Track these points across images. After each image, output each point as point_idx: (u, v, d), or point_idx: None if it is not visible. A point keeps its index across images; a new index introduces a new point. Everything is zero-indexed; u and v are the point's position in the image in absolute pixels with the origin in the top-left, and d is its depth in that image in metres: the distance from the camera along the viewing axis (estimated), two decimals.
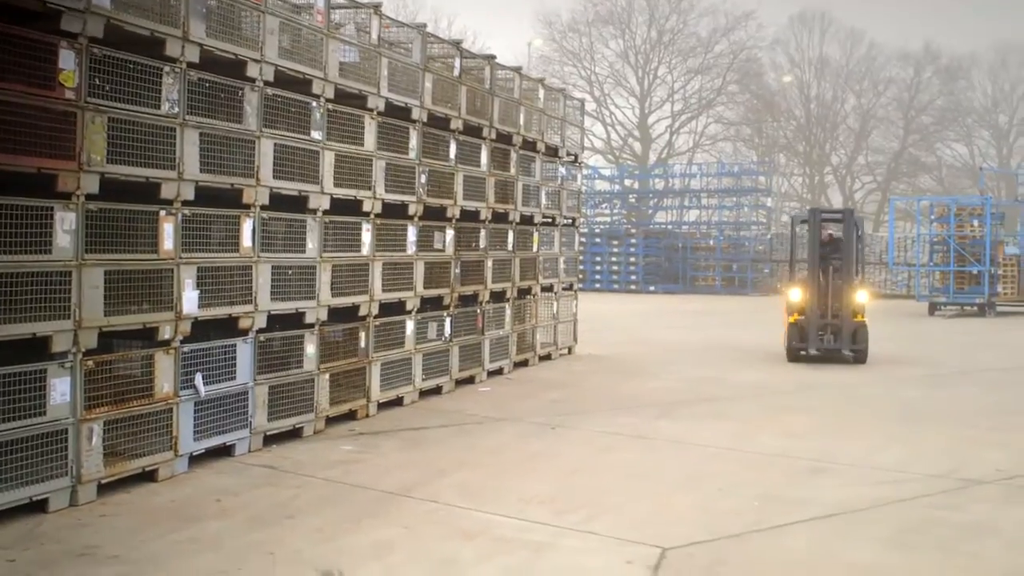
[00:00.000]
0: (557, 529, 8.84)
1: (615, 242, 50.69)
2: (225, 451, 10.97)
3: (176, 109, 9.97)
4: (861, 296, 20.84)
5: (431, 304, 15.49)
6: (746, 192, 54.37)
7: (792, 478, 10.78)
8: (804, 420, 14.23)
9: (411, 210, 14.58)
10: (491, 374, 17.47)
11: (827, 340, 20.75)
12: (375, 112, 13.49)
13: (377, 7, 13.63)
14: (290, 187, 11.77)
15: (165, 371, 9.98)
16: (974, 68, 79.38)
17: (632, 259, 50.02)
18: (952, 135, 79.00)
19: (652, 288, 49.78)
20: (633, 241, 50.11)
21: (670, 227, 56.33)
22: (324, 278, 12.42)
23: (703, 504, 9.73)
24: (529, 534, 8.68)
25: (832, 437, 12.50)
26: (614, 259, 50.34)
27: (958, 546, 8.70)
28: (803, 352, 20.85)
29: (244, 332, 11.12)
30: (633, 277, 49.67)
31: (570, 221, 21.67)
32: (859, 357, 20.76)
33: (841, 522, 9.31)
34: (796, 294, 21.01)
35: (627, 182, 60.80)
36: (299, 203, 12.06)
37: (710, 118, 75.06)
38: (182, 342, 10.18)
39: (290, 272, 11.86)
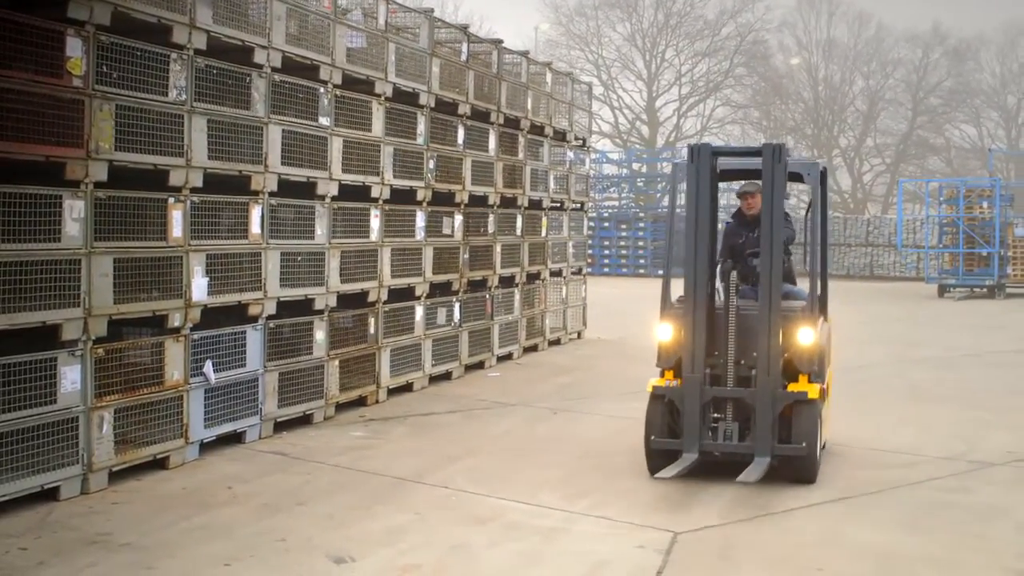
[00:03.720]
0: (568, 514, 8.84)
1: (624, 226, 50.57)
2: (236, 438, 10.98)
3: (184, 96, 9.95)
4: (805, 335, 10.04)
5: (440, 289, 15.48)
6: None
7: None
8: None
9: (420, 196, 14.56)
10: (500, 359, 17.45)
11: (727, 432, 9.92)
12: (383, 98, 13.47)
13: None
14: (298, 173, 11.75)
15: (175, 358, 9.99)
16: (983, 49, 79.04)
17: (641, 243, 49.91)
18: (961, 116, 78.71)
19: (661, 272, 49.67)
20: (642, 225, 49.96)
21: (679, 211, 56.19)
22: (333, 264, 12.41)
23: (726, 487, 9.72)
24: (540, 519, 8.68)
25: (842, 419, 12.46)
26: (623, 243, 50.21)
27: (969, 528, 8.70)
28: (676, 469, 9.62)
29: (254, 319, 11.12)
30: (642, 261, 49.56)
31: (579, 205, 21.63)
32: (800, 470, 9.92)
33: (852, 505, 9.31)
34: (666, 332, 10.31)
35: (635, 166, 60.69)
36: (308, 189, 12.05)
37: (718, 101, 74.89)
38: (192, 329, 10.18)
39: (299, 258, 11.85)
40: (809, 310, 10.24)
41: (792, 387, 9.84)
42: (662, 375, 10.26)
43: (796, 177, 10.74)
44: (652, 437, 9.93)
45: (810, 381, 9.94)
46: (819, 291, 10.89)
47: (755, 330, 9.80)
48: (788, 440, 9.74)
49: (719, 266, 10.40)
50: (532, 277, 18.95)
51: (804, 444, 9.65)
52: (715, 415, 9.98)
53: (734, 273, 10.16)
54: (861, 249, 47.19)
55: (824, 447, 10.73)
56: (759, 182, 10.44)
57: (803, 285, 11.03)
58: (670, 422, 9.99)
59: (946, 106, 76.64)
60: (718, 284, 10.37)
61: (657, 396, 10.03)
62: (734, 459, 9.74)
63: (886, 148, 77.02)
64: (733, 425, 9.86)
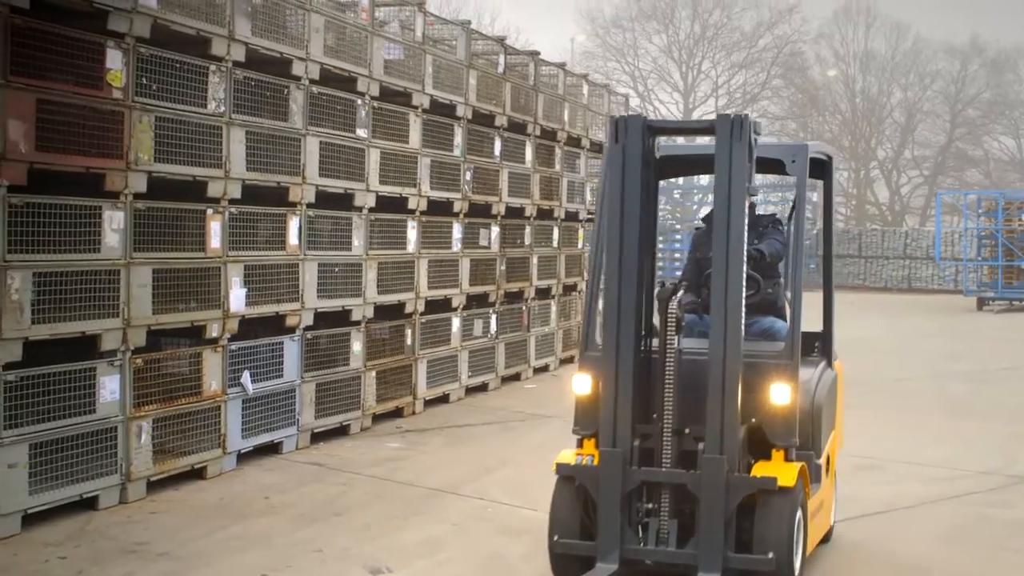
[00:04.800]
0: None
1: (660, 237, 50.43)
2: (273, 448, 11.00)
3: (222, 108, 10.01)
4: (779, 393, 7.09)
5: (477, 301, 15.48)
6: (791, 187, 54.01)
7: (840, 475, 10.69)
8: (852, 416, 14.10)
9: (456, 207, 14.58)
10: (537, 371, 17.43)
11: (661, 533, 6.92)
12: (420, 109, 13.49)
13: (421, 4, 13.63)
14: (336, 185, 11.79)
15: (213, 369, 10.02)
16: (1021, 60, 78.50)
17: (677, 255, 49.75)
18: (999, 128, 78.15)
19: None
20: (678, 237, 49.86)
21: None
22: (370, 275, 12.44)
23: None
24: None
25: (880, 434, 12.40)
26: (659, 254, 50.19)
27: (1008, 543, 8.65)
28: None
29: (291, 330, 11.15)
30: (678, 273, 49.41)
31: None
32: None
33: (890, 519, 9.27)
34: (584, 384, 7.40)
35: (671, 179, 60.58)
36: (345, 201, 12.08)
37: (755, 113, 74.61)
38: (230, 340, 10.22)
39: (336, 270, 11.88)
40: (787, 354, 7.23)
41: (758, 469, 6.94)
42: (580, 445, 7.34)
43: (774, 166, 7.65)
44: (556, 537, 6.97)
45: (788, 459, 7.05)
46: (824, 322, 8.57)
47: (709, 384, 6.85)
48: (750, 546, 6.75)
49: (659, 291, 7.22)
50: (568, 289, 18.93)
51: (771, 555, 6.65)
52: (647, 506, 6.92)
53: (675, 300, 7.07)
54: (899, 262, 46.88)
55: (829, 539, 8.41)
56: None
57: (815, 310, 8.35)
58: (583, 516, 6.99)
59: (984, 118, 76.14)
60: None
61: (566, 478, 7.05)
62: (672, 572, 6.98)
63: (924, 160, 76.58)
64: (671, 523, 6.84)
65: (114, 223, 8.83)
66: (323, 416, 11.71)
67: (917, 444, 12.36)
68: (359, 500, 9.53)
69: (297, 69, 11.12)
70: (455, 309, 14.62)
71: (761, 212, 9.12)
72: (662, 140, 7.60)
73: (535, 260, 17.17)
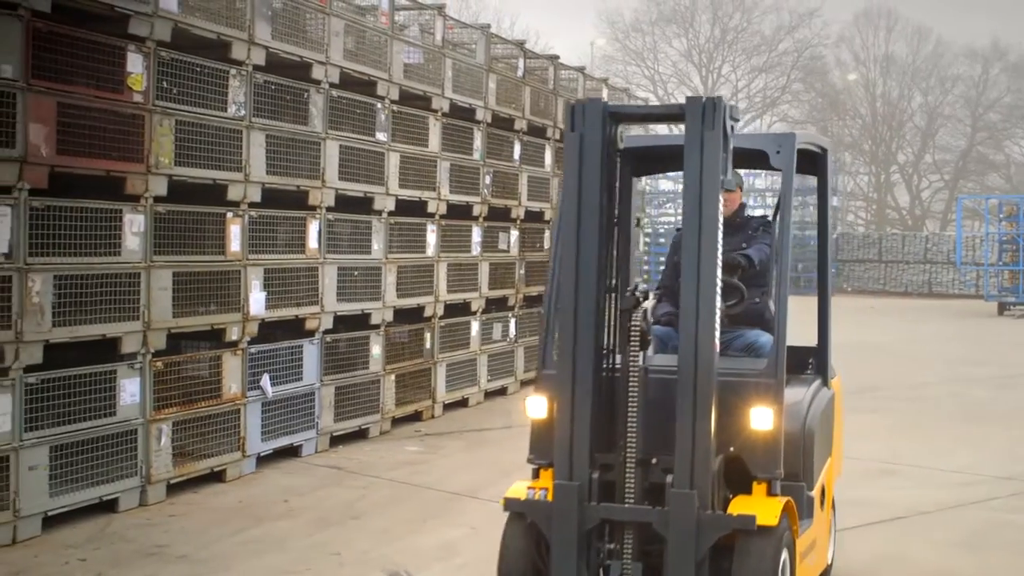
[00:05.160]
0: None
1: None
2: (292, 451, 11.02)
3: (242, 111, 10.04)
4: (761, 417, 6.08)
5: (496, 305, 15.48)
6: (811, 191, 53.93)
7: (859, 480, 10.67)
8: (870, 421, 14.09)
9: (476, 211, 14.59)
10: None
11: None
12: (439, 113, 13.51)
13: (441, 8, 13.66)
14: (355, 188, 11.81)
15: (233, 372, 10.05)
16: None
17: None
18: (1021, 132, 77.83)
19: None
20: None
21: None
22: (390, 279, 12.45)
23: None
24: None
25: (899, 438, 12.37)
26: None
27: None
28: None
29: (310, 333, 11.17)
30: None
31: (634, 221, 21.54)
32: None
33: (909, 525, 9.23)
34: (538, 407, 6.37)
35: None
36: (364, 204, 12.10)
37: (775, 116, 74.54)
38: (249, 343, 10.25)
39: (356, 273, 11.90)
40: (770, 372, 6.21)
41: (736, 505, 5.98)
42: (536, 475, 6.43)
43: (756, 158, 6.84)
44: None
45: (771, 492, 6.12)
46: (819, 334, 7.79)
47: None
48: None
49: (623, 300, 6.16)
50: None
51: None
52: (608, 547, 5.94)
53: (644, 309, 6.18)
54: (919, 266, 46.73)
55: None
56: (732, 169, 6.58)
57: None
58: (536, 558, 6.08)
59: (1006, 122, 75.88)
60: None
61: (516, 515, 6.18)
62: None
63: (945, 164, 76.37)
64: (635, 567, 5.86)
65: (134, 226, 8.85)
66: (342, 419, 11.73)
67: (936, 449, 12.31)
68: (378, 503, 9.54)
69: (317, 73, 11.15)
70: (474, 313, 14.62)
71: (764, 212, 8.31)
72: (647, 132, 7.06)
73: None
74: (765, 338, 7.06)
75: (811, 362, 7.69)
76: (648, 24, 72.90)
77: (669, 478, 5.76)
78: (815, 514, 6.79)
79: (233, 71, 9.93)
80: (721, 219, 5.82)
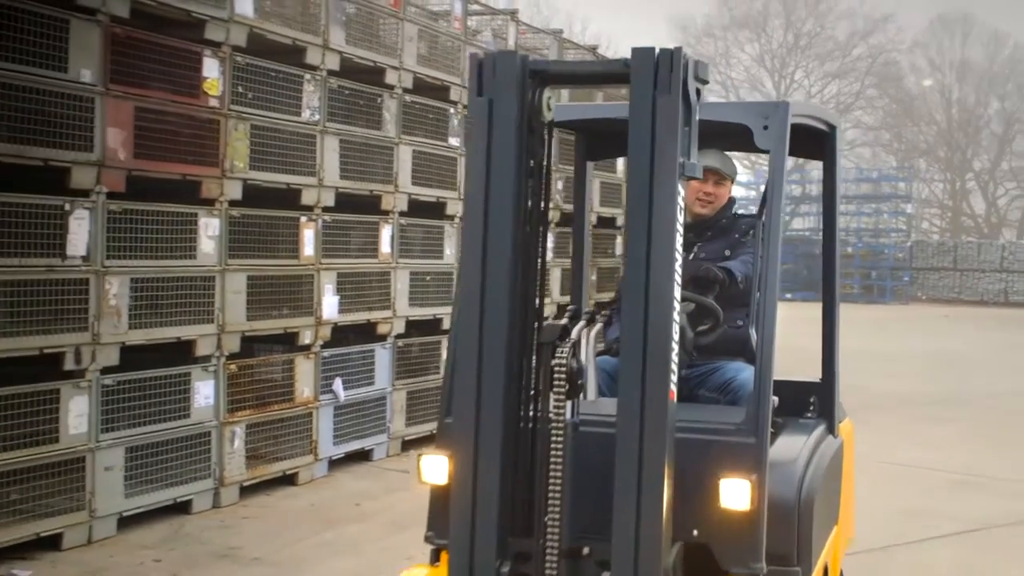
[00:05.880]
0: None
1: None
2: (363, 456, 11.05)
3: (316, 116, 10.08)
4: (734, 492, 4.30)
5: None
6: (885, 198, 53.47)
7: (934, 491, 10.55)
8: (945, 431, 13.92)
9: (549, 216, 14.50)
10: None
11: None
12: None
13: (514, 13, 13.67)
14: (428, 193, 11.83)
15: (305, 376, 10.09)
16: None
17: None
18: None
19: (788, 296, 49.19)
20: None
21: (807, 234, 55.61)
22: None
23: None
24: None
25: (974, 449, 12.19)
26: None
27: None
28: None
29: (382, 337, 11.19)
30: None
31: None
32: None
33: (985, 537, 9.09)
34: (437, 469, 4.63)
35: (763, 187, 60.14)
36: (437, 209, 12.12)
37: (848, 123, 73.99)
38: (322, 347, 10.28)
39: (428, 278, 11.92)
40: (748, 426, 4.50)
41: None
42: (435, 558, 5.07)
43: (736, 136, 5.02)
44: None
45: None
46: (824, 362, 5.85)
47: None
48: None
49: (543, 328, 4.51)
50: None
51: None
52: None
53: (573, 342, 4.44)
54: (995, 275, 46.13)
55: None
56: (721, 155, 5.86)
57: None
58: None
59: None
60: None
61: None
62: None
63: (1022, 172, 75.39)
64: None
65: (210, 230, 8.92)
66: (413, 424, 11.73)
67: (1015, 461, 12.11)
68: None
69: (390, 78, 11.18)
70: (545, 318, 14.54)
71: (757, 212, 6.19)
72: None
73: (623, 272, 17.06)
74: (748, 373, 5.34)
75: (813, 401, 5.84)
76: (720, 29, 72.64)
77: (606, 575, 4.11)
78: None
79: (307, 76, 9.98)
80: (683, 217, 4.14)
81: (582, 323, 4.60)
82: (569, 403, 4.22)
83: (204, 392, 8.93)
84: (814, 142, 5.73)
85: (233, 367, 9.23)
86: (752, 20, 72.44)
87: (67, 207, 7.71)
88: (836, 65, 72.06)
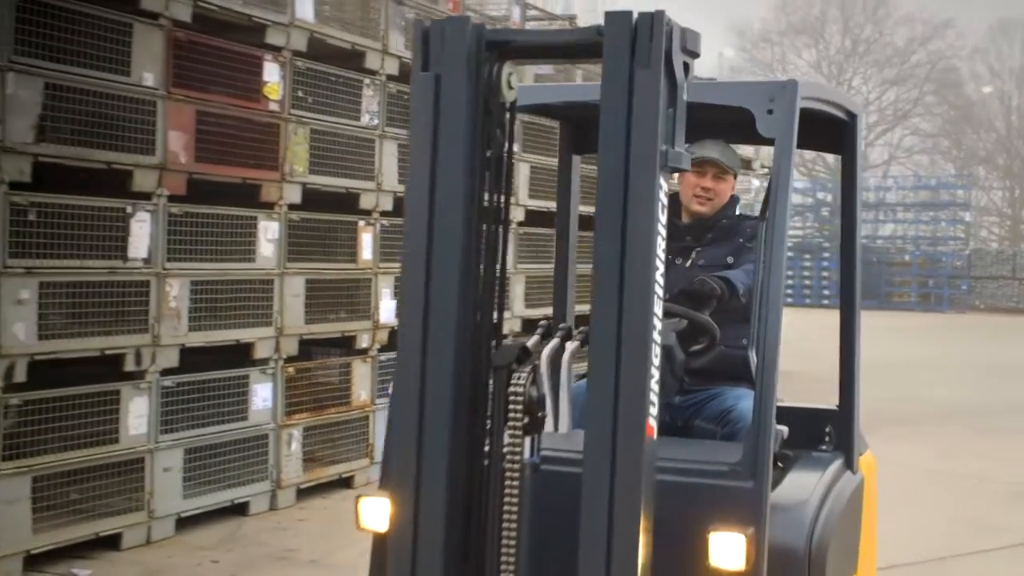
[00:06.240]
0: None
1: (808, 256, 49.86)
2: None
3: (375, 121, 10.11)
4: (726, 549, 3.52)
5: None
6: (943, 206, 53.01)
7: (993, 503, 10.43)
8: (1005, 441, 13.76)
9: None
10: None
11: None
12: None
13: (572, 19, 13.68)
14: (485, 199, 11.78)
15: (362, 379, 10.11)
16: None
17: (825, 273, 49.10)
18: None
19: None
20: (826, 255, 49.19)
21: (864, 241, 55.21)
22: (517, 289, 12.44)
23: (903, 526, 9.46)
24: None
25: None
26: (806, 273, 49.48)
27: None
28: None
29: None
30: (826, 292, 48.73)
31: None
32: None
33: None
34: (376, 516, 3.82)
35: (820, 195, 59.82)
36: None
37: (906, 130, 73.39)
38: (379, 351, 10.30)
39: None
40: (746, 467, 3.78)
41: None
42: None
43: (734, 121, 4.32)
44: None
45: None
46: (841, 387, 4.95)
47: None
48: None
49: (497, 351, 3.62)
50: None
51: None
52: None
53: (534, 366, 3.67)
54: None
55: None
56: (721, 145, 5.07)
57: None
58: None
59: None
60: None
61: None
62: None
63: None
64: None
65: (269, 233, 8.96)
66: None
67: None
68: None
69: None
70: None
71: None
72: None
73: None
74: (750, 401, 4.34)
75: (828, 431, 4.88)
76: (777, 35, 72.25)
77: None
78: None
79: (367, 81, 10.01)
80: (665, 217, 3.39)
81: (555, 341, 3.87)
82: (528, 439, 3.48)
83: (262, 394, 8.97)
84: (830, 132, 4.85)
85: (291, 370, 9.27)
86: (809, 26, 72.06)
87: (129, 209, 7.78)
88: (895, 71, 71.49)
